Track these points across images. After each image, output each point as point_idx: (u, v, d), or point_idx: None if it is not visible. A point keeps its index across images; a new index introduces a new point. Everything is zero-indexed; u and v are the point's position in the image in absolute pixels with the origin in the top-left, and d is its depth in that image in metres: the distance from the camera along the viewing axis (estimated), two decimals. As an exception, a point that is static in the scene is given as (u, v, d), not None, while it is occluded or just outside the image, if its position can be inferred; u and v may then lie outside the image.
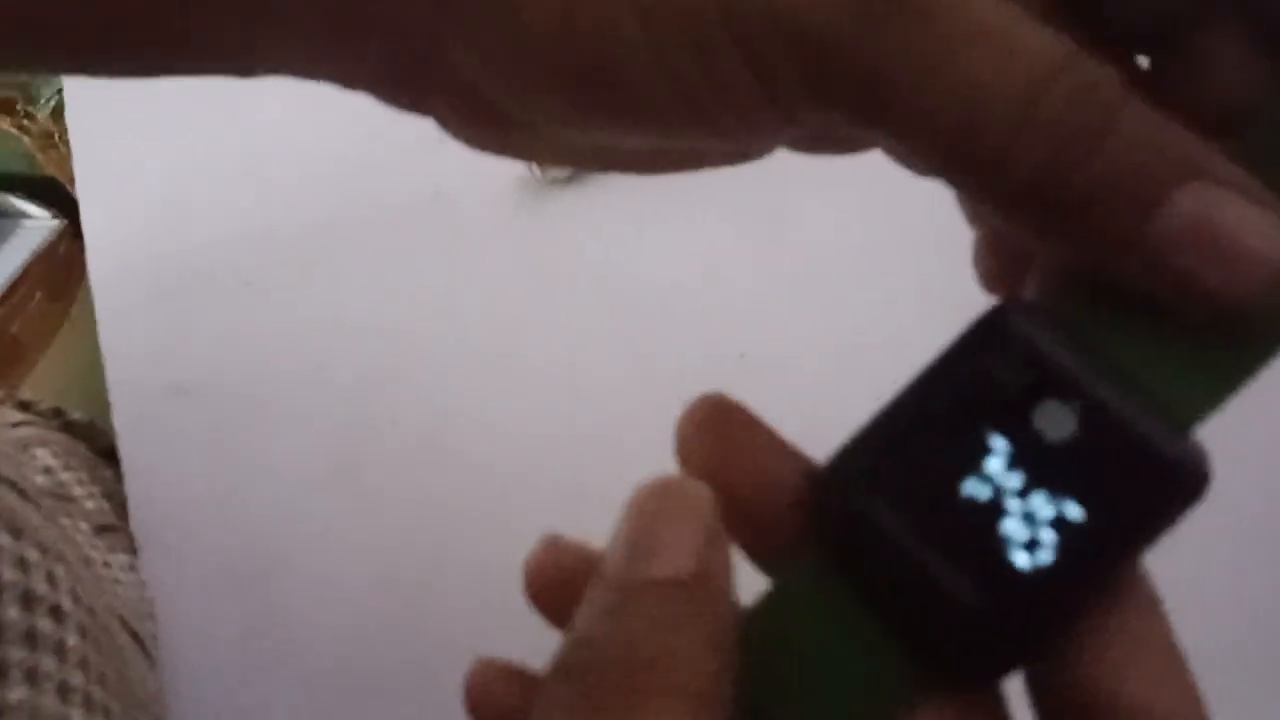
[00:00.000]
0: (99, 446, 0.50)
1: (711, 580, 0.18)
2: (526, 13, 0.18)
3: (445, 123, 0.21)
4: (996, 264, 0.25)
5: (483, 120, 0.21)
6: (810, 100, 0.19)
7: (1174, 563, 0.19)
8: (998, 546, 0.17)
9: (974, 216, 0.25)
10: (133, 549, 0.45)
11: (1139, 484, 0.17)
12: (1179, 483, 0.17)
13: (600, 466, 0.45)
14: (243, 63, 0.21)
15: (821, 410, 0.47)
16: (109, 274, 0.53)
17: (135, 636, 0.41)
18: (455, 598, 0.43)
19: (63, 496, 0.45)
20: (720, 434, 0.21)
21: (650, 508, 0.19)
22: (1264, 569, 0.40)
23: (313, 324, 0.50)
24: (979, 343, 0.19)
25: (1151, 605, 0.18)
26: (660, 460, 0.48)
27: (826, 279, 0.48)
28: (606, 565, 0.18)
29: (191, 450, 0.47)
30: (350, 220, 0.52)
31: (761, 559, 0.21)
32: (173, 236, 0.53)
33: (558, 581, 0.22)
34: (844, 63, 0.18)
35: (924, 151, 0.18)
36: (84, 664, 0.35)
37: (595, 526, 0.43)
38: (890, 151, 0.20)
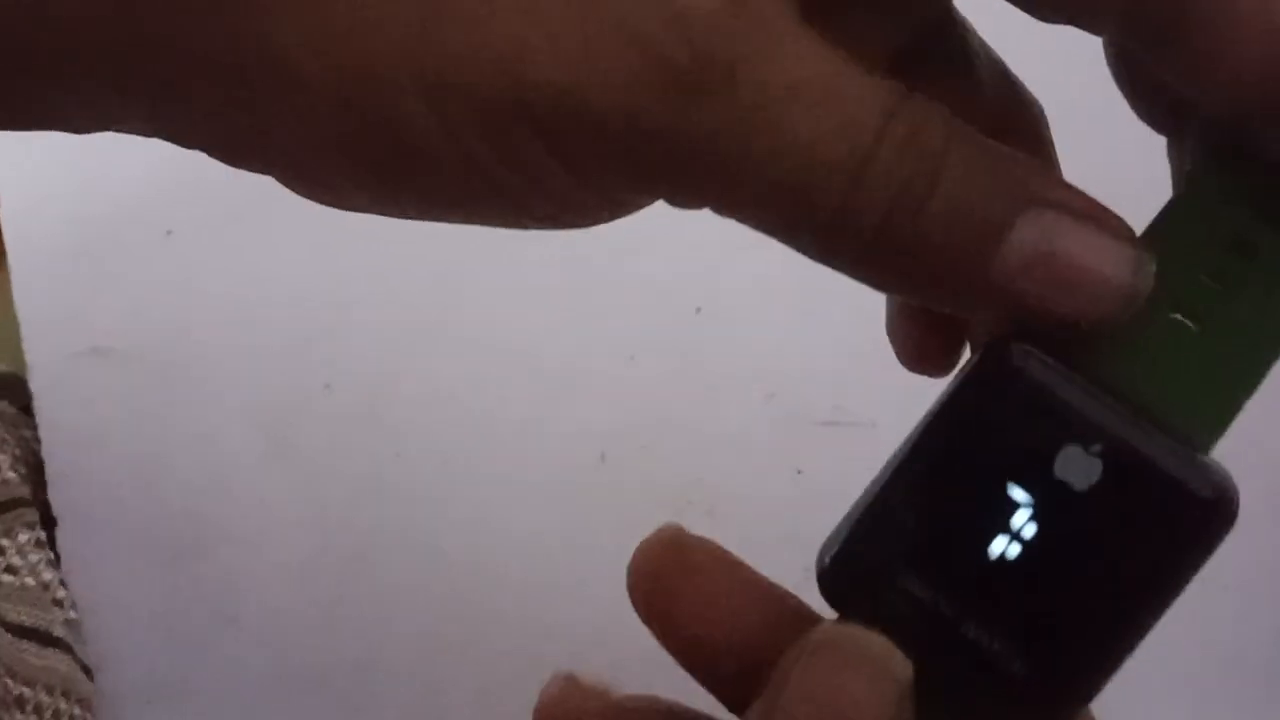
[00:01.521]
0: (24, 402, 0.46)
1: None
2: (319, 106, 0.17)
3: (289, 186, 0.20)
4: (914, 336, 0.24)
5: (319, 192, 0.20)
6: (627, 185, 0.18)
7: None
8: (1038, 605, 0.17)
9: None
10: (41, 523, 0.42)
11: (1171, 523, 0.17)
12: (1213, 514, 0.17)
13: (550, 430, 0.44)
14: (68, 126, 0.20)
15: (777, 365, 0.46)
16: (21, 223, 0.49)
17: (20, 630, 0.38)
18: (397, 571, 0.41)
19: None
20: (682, 579, 0.20)
21: (836, 679, 0.16)
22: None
23: (242, 278, 0.48)
24: (985, 391, 0.18)
25: None
26: (611, 424, 0.47)
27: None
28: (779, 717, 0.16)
29: (114, 416, 0.45)
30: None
31: (741, 706, 0.19)
32: (89, 182, 0.50)
33: None
34: (656, 146, 0.17)
35: (756, 219, 0.18)
36: None
37: (544, 493, 0.42)
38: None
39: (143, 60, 0.18)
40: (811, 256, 0.18)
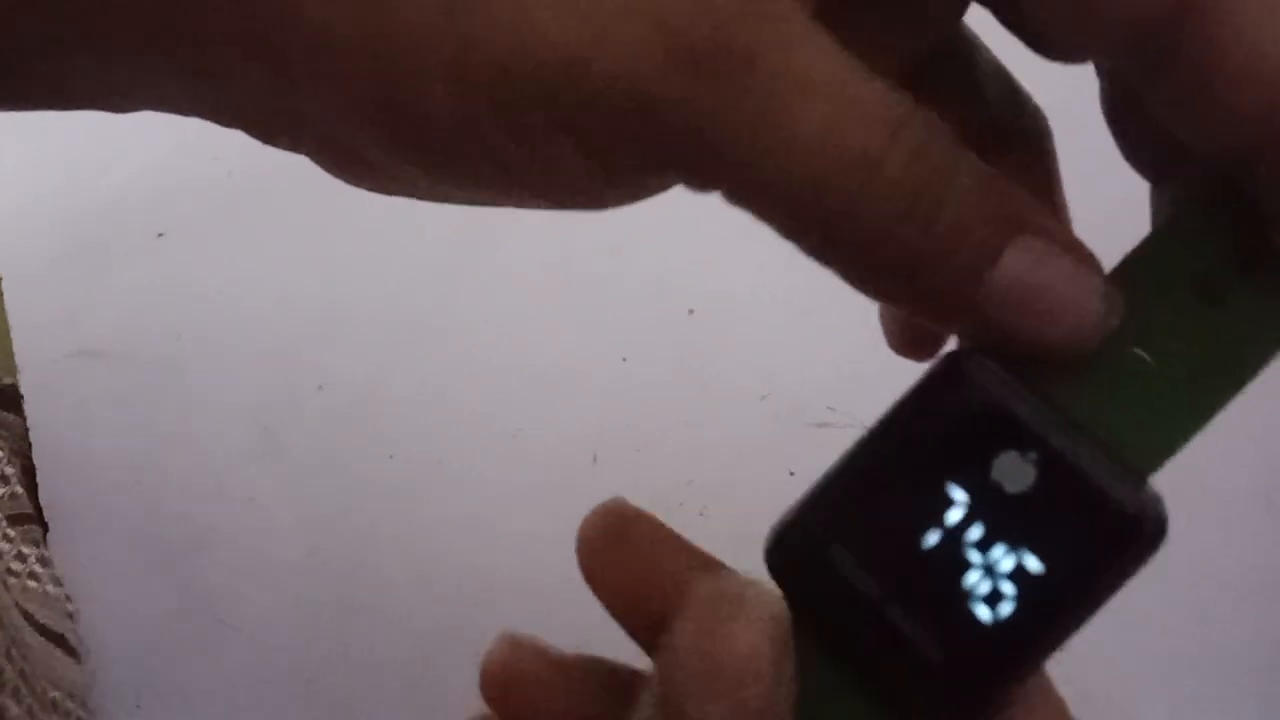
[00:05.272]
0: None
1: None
2: (349, 78, 0.18)
3: (319, 164, 0.21)
4: (902, 325, 0.25)
5: (348, 165, 0.20)
6: (639, 166, 0.18)
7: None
8: (960, 599, 0.18)
9: None
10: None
11: (1097, 535, 0.17)
12: (1137, 534, 0.17)
13: (543, 432, 0.44)
14: (112, 103, 0.20)
15: (770, 366, 0.46)
16: (12, 224, 0.49)
17: (47, 633, 0.38)
18: (389, 572, 0.41)
19: None
20: (624, 547, 0.21)
21: (716, 622, 0.17)
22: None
23: (234, 280, 0.47)
24: (936, 394, 0.19)
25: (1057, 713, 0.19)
26: (603, 425, 0.46)
27: (774, 234, 0.46)
28: (667, 678, 0.17)
29: (105, 418, 0.44)
30: (273, 168, 0.49)
31: None
32: (81, 184, 0.50)
33: (516, 684, 0.21)
34: (673, 124, 0.17)
35: (765, 208, 0.18)
36: None
37: (536, 495, 0.42)
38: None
39: (185, 35, 0.18)
40: (812, 254, 0.18)
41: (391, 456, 0.43)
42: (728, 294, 0.46)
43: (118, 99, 0.20)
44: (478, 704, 0.22)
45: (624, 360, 0.45)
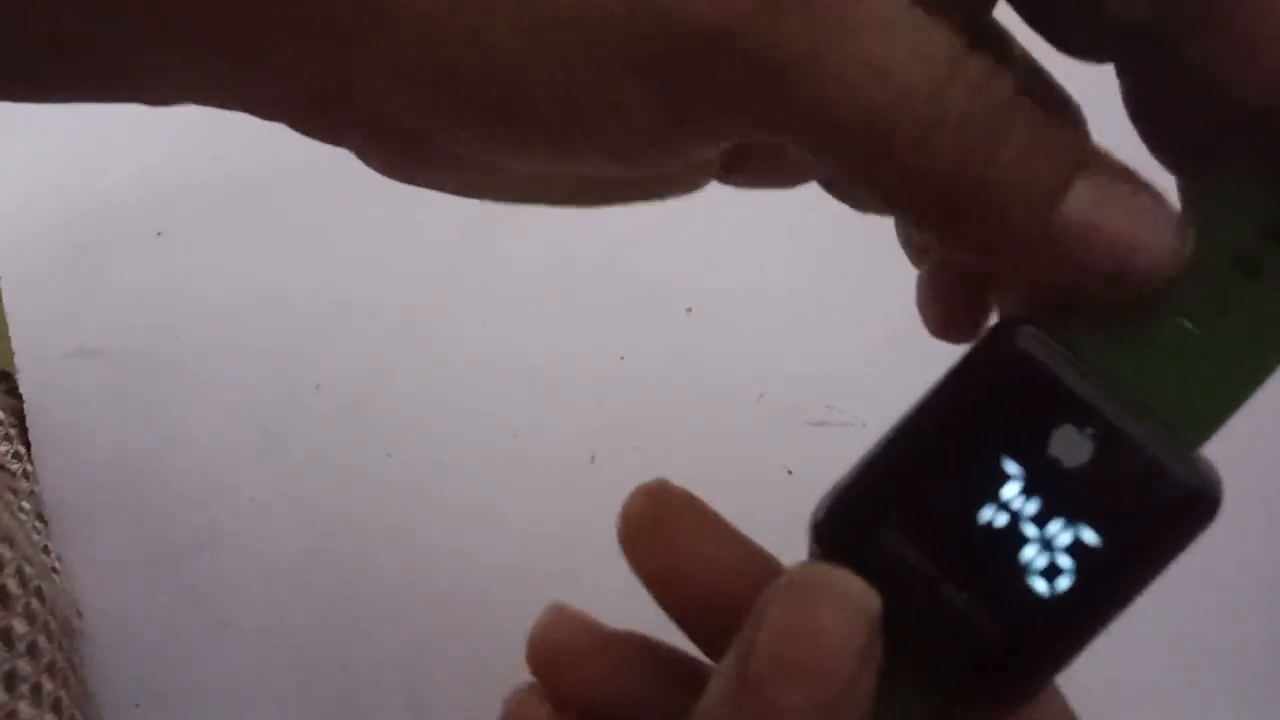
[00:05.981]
0: None
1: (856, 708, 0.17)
2: (405, 26, 0.17)
3: (363, 156, 0.21)
4: (943, 308, 0.25)
5: (395, 151, 0.20)
6: (714, 108, 0.18)
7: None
8: (1017, 574, 0.18)
9: (917, 254, 0.25)
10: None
11: (1154, 508, 0.18)
12: (1194, 506, 0.18)
13: (541, 431, 0.44)
14: (153, 94, 0.20)
15: (768, 365, 0.46)
16: (10, 224, 0.49)
17: (68, 629, 0.39)
18: (388, 571, 0.41)
19: (3, 469, 0.42)
20: (665, 527, 0.21)
21: (806, 611, 0.17)
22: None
23: (232, 279, 0.47)
24: (989, 367, 0.19)
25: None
26: (601, 424, 0.46)
27: (772, 233, 0.46)
28: (750, 661, 0.17)
29: (104, 417, 0.44)
30: (271, 168, 0.50)
31: (720, 655, 0.20)
32: (80, 183, 0.50)
33: (560, 655, 0.21)
34: (751, 62, 0.17)
35: (835, 147, 0.18)
36: (33, 651, 0.33)
37: (534, 495, 0.42)
38: (803, 159, 0.19)
39: (235, 14, 0.18)
40: (882, 198, 0.18)
41: (390, 455, 0.43)
42: (726, 293, 0.46)
43: (158, 90, 0.20)
44: (474, 705, 0.22)
45: (622, 359, 0.45)
